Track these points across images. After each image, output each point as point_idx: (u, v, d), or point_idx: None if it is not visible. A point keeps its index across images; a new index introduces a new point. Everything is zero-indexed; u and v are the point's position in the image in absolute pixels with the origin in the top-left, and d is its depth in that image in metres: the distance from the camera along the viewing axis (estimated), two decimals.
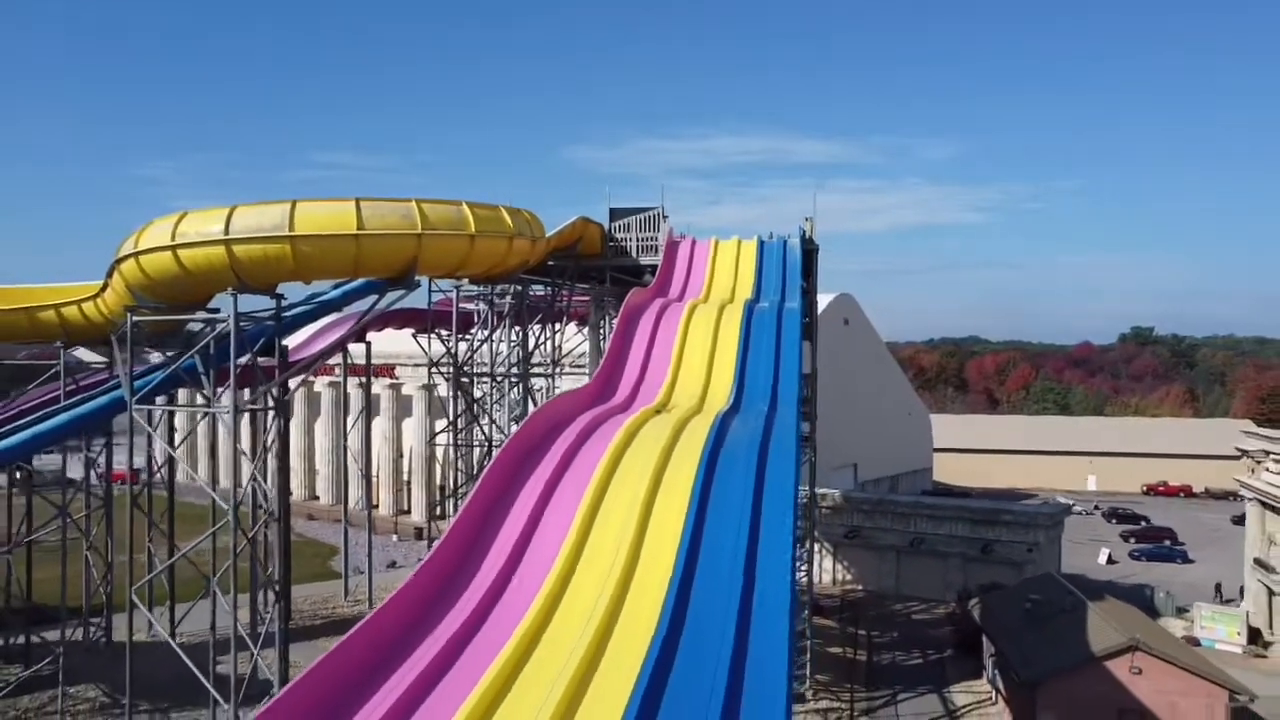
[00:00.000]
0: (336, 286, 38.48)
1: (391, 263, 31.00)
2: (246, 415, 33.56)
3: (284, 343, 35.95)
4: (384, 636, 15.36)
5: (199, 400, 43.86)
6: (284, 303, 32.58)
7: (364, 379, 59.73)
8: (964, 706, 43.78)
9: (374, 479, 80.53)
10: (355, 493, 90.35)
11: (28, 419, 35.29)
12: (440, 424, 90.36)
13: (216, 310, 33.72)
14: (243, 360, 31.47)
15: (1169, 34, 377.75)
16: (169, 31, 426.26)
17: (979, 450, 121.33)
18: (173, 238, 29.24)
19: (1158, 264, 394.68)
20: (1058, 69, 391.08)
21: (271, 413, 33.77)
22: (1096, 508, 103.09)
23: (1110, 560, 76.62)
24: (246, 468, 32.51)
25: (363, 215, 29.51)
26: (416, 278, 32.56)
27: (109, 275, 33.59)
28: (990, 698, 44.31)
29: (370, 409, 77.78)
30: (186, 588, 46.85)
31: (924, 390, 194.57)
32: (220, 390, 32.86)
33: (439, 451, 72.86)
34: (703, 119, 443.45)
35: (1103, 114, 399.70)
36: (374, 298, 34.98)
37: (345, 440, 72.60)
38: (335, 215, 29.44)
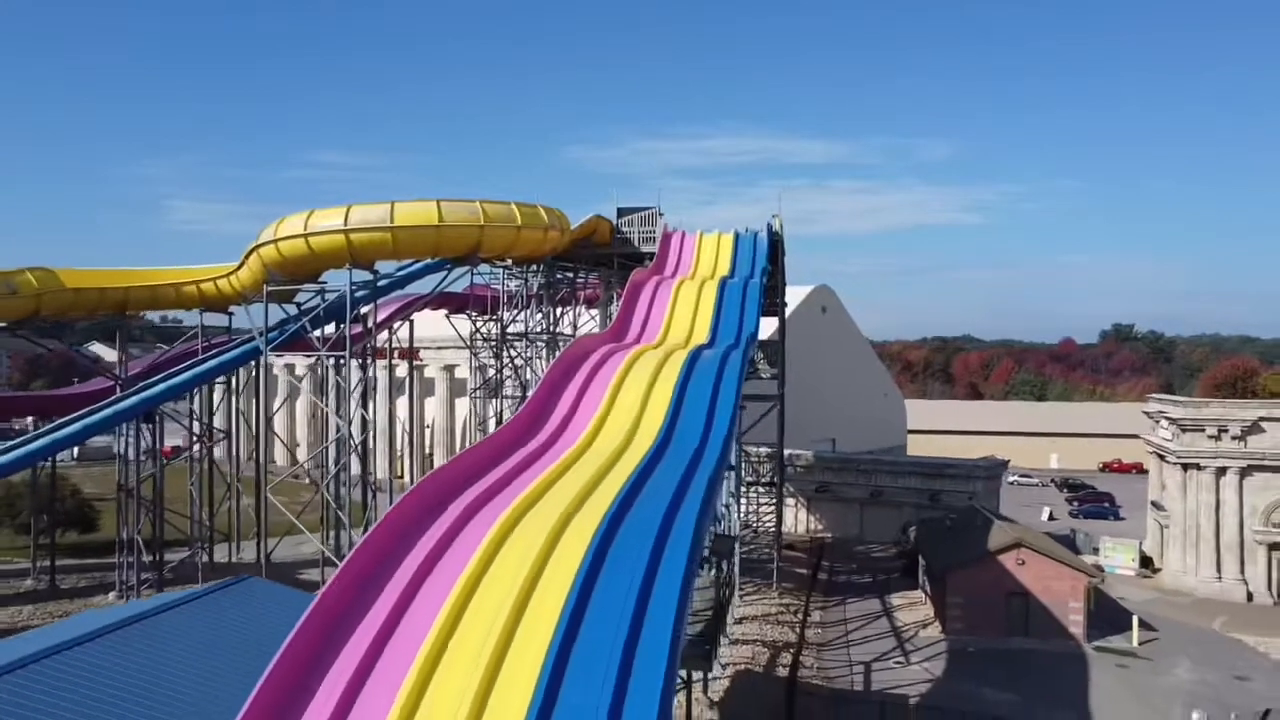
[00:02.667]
0: (401, 268, 50.00)
1: (461, 246, 42.35)
2: (322, 373, 44.85)
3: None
4: (449, 481, 25.92)
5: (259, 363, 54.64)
6: (379, 275, 43.87)
7: (389, 362, 69.25)
8: (898, 605, 54.95)
9: (399, 450, 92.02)
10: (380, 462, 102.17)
11: (179, 367, 46.62)
12: (460, 403, 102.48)
13: (324, 283, 45.11)
14: (343, 323, 42.71)
15: (1165, 35, 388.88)
16: (163, 32, 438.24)
17: (950, 432, 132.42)
18: (305, 228, 40.57)
19: (1151, 265, 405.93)
20: (1055, 69, 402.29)
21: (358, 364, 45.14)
22: (1052, 480, 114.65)
23: (1051, 518, 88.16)
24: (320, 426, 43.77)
25: (442, 211, 40.87)
26: (479, 257, 43.78)
27: (245, 258, 44.84)
28: (921, 600, 55.51)
29: (413, 386, 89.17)
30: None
31: (911, 383, 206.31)
32: (327, 343, 44.04)
33: (469, 413, 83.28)
34: (701, 119, 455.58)
35: (1100, 114, 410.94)
36: (440, 275, 46.43)
37: (392, 414, 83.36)
38: (423, 211, 40.80)
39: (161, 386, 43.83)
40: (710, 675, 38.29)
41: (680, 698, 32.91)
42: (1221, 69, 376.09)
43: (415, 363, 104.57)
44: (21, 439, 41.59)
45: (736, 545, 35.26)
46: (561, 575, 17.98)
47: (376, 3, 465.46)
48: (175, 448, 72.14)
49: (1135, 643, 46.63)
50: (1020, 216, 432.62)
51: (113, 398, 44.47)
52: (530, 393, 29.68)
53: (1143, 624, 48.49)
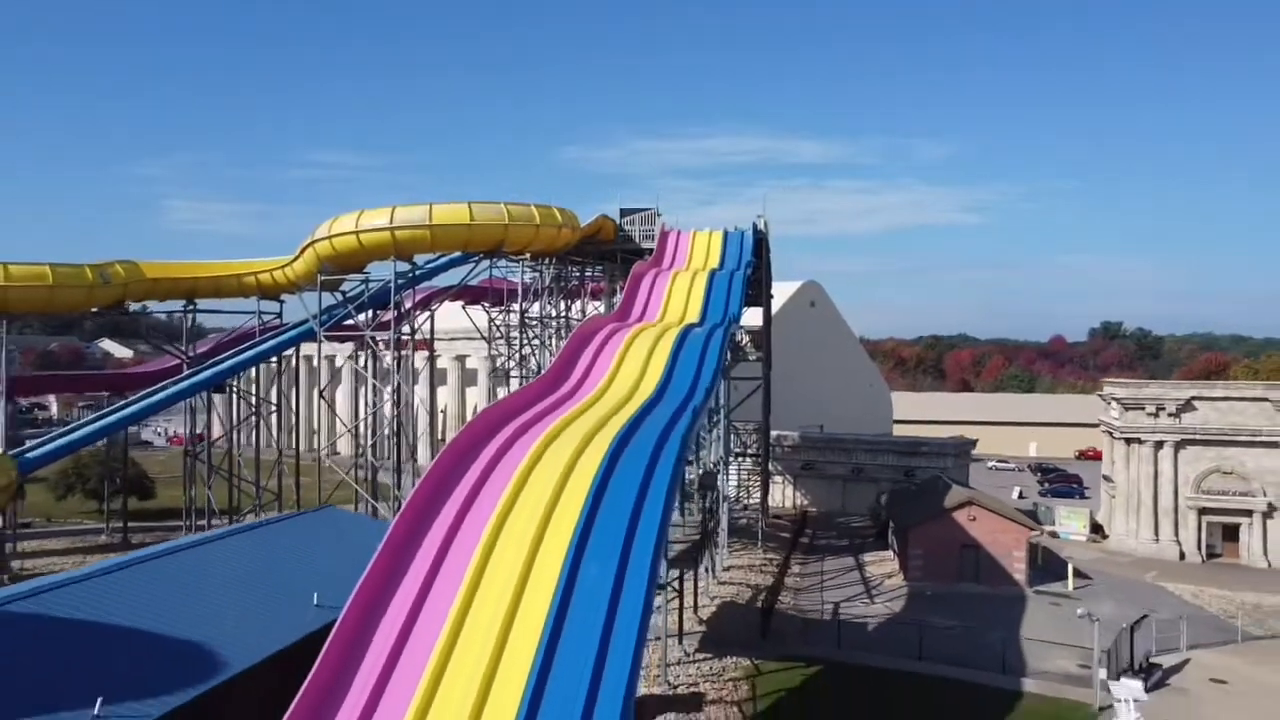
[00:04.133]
0: (430, 260, 57.04)
1: (488, 242, 49.33)
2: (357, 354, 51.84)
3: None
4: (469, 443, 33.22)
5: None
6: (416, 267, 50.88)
7: (409, 351, 74.64)
8: (869, 562, 62.04)
9: (414, 435, 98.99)
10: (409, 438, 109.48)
11: (239, 347, 53.66)
12: (470, 391, 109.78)
13: (368, 274, 52.14)
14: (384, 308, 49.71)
15: (1164, 37, 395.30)
16: (164, 32, 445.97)
17: (934, 422, 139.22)
18: (356, 225, 47.52)
19: (1149, 265, 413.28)
20: (1053, 69, 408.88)
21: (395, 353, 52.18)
22: (1028, 466, 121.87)
23: (1020, 496, 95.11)
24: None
25: (473, 212, 47.81)
26: (502, 251, 50.76)
27: (300, 252, 51.82)
28: (890, 557, 62.54)
29: (433, 375, 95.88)
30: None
31: (903, 378, 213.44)
32: (371, 325, 51.09)
33: (479, 400, 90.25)
34: (701, 119, 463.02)
35: (1099, 115, 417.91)
36: (468, 266, 53.48)
37: (413, 399, 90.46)
38: (456, 212, 47.75)
39: (231, 362, 50.87)
40: (700, 604, 45.54)
41: (673, 615, 39.98)
42: (1219, 70, 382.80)
43: (431, 353, 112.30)
44: (117, 404, 48.53)
45: (720, 479, 42.31)
46: (585, 475, 25.06)
47: (376, 4, 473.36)
48: (198, 436, 78.62)
49: (1070, 587, 53.71)
50: (1019, 216, 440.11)
51: (187, 372, 51.53)
52: (552, 360, 36.79)
53: (1081, 574, 55.54)
